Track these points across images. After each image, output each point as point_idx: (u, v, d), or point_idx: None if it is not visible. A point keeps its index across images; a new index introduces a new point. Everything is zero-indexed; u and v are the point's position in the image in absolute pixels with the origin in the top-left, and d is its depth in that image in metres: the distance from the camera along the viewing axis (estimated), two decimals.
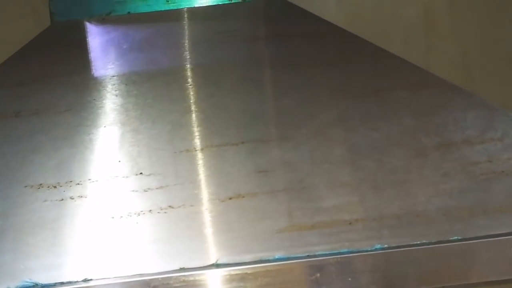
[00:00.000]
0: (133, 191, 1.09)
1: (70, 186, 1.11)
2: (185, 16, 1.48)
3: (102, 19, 1.48)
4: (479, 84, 1.94)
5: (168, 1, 1.50)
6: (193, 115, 1.22)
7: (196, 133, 1.19)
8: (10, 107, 1.26)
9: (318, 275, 0.99)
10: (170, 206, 1.07)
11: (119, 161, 1.14)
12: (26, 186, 1.11)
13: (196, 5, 1.50)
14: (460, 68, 2.00)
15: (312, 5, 1.70)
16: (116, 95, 1.27)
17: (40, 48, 1.42)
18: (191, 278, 0.98)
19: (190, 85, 1.29)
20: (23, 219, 1.07)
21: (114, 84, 1.30)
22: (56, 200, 1.09)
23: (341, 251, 1.00)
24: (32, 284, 0.99)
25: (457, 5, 1.99)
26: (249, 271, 0.99)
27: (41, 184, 1.11)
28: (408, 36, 1.96)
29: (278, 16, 1.47)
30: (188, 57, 1.36)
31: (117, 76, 1.32)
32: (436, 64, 1.96)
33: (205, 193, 1.09)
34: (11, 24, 1.78)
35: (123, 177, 1.12)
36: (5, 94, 1.30)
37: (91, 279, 0.99)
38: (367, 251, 1.00)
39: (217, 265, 1.00)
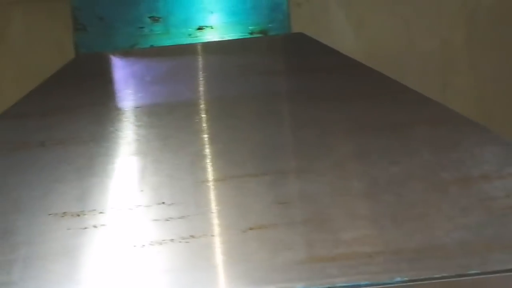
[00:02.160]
0: (155, 220, 1.11)
1: (93, 214, 1.12)
2: (206, 49, 1.50)
3: (126, 52, 1.51)
4: (495, 120, 1.95)
5: (190, 35, 1.52)
6: (214, 147, 1.24)
7: (217, 164, 1.20)
8: (35, 137, 1.28)
9: None
10: (191, 236, 1.08)
11: (142, 191, 1.16)
12: (50, 214, 1.13)
13: (217, 39, 1.52)
14: (476, 103, 2.01)
15: (331, 39, 1.73)
16: (139, 126, 1.29)
17: (65, 79, 1.45)
18: None
19: (211, 117, 1.31)
20: (47, 246, 1.08)
21: (136, 115, 1.32)
22: (80, 228, 1.10)
23: (361, 283, 1.01)
24: None
25: (474, 40, 2.00)
26: None
27: (65, 213, 1.13)
28: (425, 70, 1.98)
29: (298, 50, 1.49)
30: (208, 89, 1.38)
31: (139, 107, 1.34)
32: (452, 98, 1.97)
33: (226, 223, 1.10)
34: (36, 56, 1.81)
35: (145, 206, 1.13)
36: (30, 124, 1.32)
37: None
38: (387, 283, 1.00)
39: None
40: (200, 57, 1.48)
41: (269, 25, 1.53)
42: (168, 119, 1.30)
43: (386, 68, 1.47)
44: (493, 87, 2.02)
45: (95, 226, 1.10)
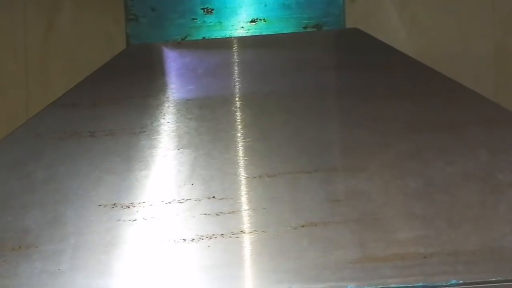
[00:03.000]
0: (205, 214, 1.10)
1: (143, 207, 1.11)
2: (259, 43, 1.49)
3: (178, 44, 1.50)
4: None
5: (242, 28, 1.51)
6: (266, 142, 1.22)
7: (269, 160, 1.19)
8: (85, 127, 1.28)
9: None
10: (242, 231, 1.07)
11: (192, 184, 1.15)
12: (100, 205, 1.12)
13: (271, 33, 1.50)
14: None
15: (384, 36, 1.70)
16: (190, 119, 1.28)
17: (115, 70, 1.44)
18: None
19: (263, 111, 1.29)
20: (96, 237, 1.08)
21: (188, 108, 1.31)
22: (130, 220, 1.09)
23: (416, 285, 0.99)
24: None
25: None
26: None
27: (114, 204, 1.12)
28: (477, 72, 1.95)
29: (353, 46, 1.47)
30: (261, 84, 1.37)
31: (191, 100, 1.33)
32: (504, 102, 1.94)
33: (277, 219, 1.08)
34: (86, 46, 1.81)
35: (195, 200, 1.12)
36: (80, 115, 1.32)
37: None
38: (442, 286, 0.99)
39: None
40: (252, 50, 1.47)
41: (324, 19, 1.51)
42: (220, 113, 1.29)
43: (437, 68, 1.45)
44: None
45: (144, 219, 1.10)
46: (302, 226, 1.07)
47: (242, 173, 1.16)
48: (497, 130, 1.23)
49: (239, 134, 1.24)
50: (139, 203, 1.12)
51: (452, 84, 1.34)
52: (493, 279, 0.99)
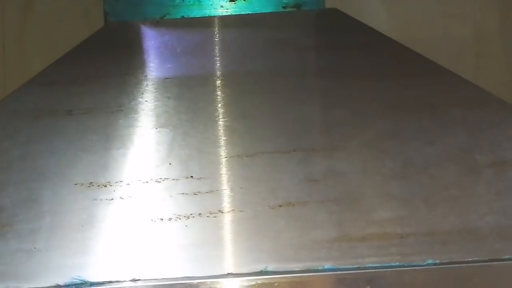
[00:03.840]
0: (183, 194, 1.09)
1: (120, 186, 1.11)
2: (238, 22, 1.48)
3: (156, 22, 1.48)
4: None
5: (222, 7, 1.50)
6: (245, 121, 1.22)
7: (247, 139, 1.18)
8: (63, 105, 1.27)
9: (368, 287, 0.98)
10: (219, 211, 1.06)
11: (170, 164, 1.14)
12: (76, 184, 1.11)
13: (250, 12, 1.50)
14: (509, 89, 1.98)
15: (363, 17, 1.70)
16: (169, 98, 1.27)
17: (94, 48, 1.43)
18: (239, 284, 0.98)
19: (242, 91, 1.29)
20: (73, 216, 1.07)
21: (166, 87, 1.30)
22: (106, 199, 1.09)
23: (392, 264, 0.99)
24: (81, 281, 0.99)
25: (508, 25, 1.97)
26: (297, 280, 0.98)
27: (91, 183, 1.11)
28: (458, 54, 1.95)
29: (332, 26, 1.47)
30: (240, 63, 1.36)
31: (170, 78, 1.32)
32: (484, 84, 1.94)
33: (255, 199, 1.08)
34: (64, 24, 1.79)
35: (173, 179, 1.12)
36: (57, 92, 1.31)
37: (139, 279, 0.99)
38: (418, 265, 0.99)
39: (265, 272, 0.99)
40: (231, 29, 1.46)
41: None
42: (198, 92, 1.28)
43: (417, 49, 1.44)
44: None
45: (121, 198, 1.09)
46: (280, 206, 1.07)
47: (221, 153, 1.16)
48: (476, 111, 1.23)
49: (218, 113, 1.24)
50: (116, 182, 1.11)
51: (432, 65, 1.34)
52: (469, 259, 1.00)
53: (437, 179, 1.10)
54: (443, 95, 1.25)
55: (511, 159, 1.13)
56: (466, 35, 1.96)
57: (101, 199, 1.09)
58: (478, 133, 1.18)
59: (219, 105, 1.26)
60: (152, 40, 1.44)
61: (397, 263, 0.99)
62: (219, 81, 1.30)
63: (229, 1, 1.51)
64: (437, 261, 0.99)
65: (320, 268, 0.99)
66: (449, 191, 1.08)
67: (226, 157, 1.15)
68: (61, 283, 0.98)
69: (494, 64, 1.98)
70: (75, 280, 0.98)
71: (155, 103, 1.26)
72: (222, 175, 1.12)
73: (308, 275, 0.99)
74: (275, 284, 0.97)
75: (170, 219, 1.05)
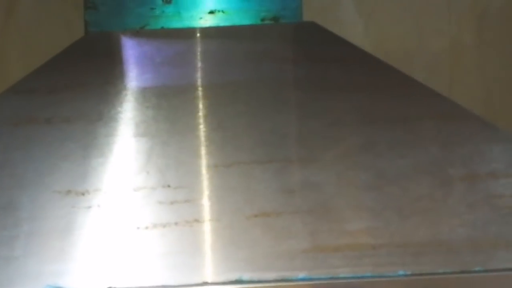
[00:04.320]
0: (159, 202, 1.11)
1: (98, 194, 1.12)
2: (217, 34, 1.50)
3: (136, 32, 1.50)
4: (500, 120, 1.94)
5: (201, 18, 1.52)
6: (222, 132, 1.23)
7: (224, 150, 1.20)
8: (42, 113, 1.28)
9: None
10: (196, 220, 1.08)
11: (147, 172, 1.15)
12: (54, 192, 1.12)
13: (229, 24, 1.51)
14: (483, 103, 2.01)
15: (340, 30, 1.72)
16: (147, 107, 1.28)
17: (73, 57, 1.44)
18: None
19: (220, 102, 1.30)
20: (50, 223, 1.08)
21: (145, 97, 1.31)
22: (84, 207, 1.10)
23: (364, 275, 1.01)
24: None
25: (483, 40, 2.00)
26: None
27: (69, 191, 1.12)
28: (433, 66, 1.97)
29: (309, 39, 1.48)
30: (218, 74, 1.37)
31: (148, 88, 1.33)
32: (459, 97, 1.96)
33: (230, 209, 1.10)
34: (45, 32, 1.80)
35: (150, 188, 1.13)
36: (37, 100, 1.31)
37: (115, 287, 1.00)
38: (390, 276, 1.00)
39: (239, 281, 1.01)
40: (210, 41, 1.48)
41: (281, 12, 1.52)
42: (177, 102, 1.30)
43: (393, 62, 1.46)
44: (500, 88, 2.01)
45: (99, 206, 1.10)
46: (255, 216, 1.08)
47: (198, 163, 1.17)
48: (449, 125, 1.25)
49: (196, 124, 1.25)
50: (94, 190, 1.12)
51: (406, 78, 1.36)
52: (441, 271, 1.01)
53: (409, 191, 1.12)
54: (417, 109, 1.28)
55: (483, 172, 1.15)
56: (441, 48, 1.99)
57: (79, 207, 1.10)
58: (450, 146, 1.20)
59: (197, 115, 1.27)
60: (131, 50, 1.45)
61: (370, 274, 1.01)
62: (198, 92, 1.32)
63: (209, 13, 1.52)
64: (409, 273, 1.01)
65: (294, 277, 1.01)
66: (421, 203, 1.10)
67: (203, 167, 1.17)
68: None
69: (469, 78, 2.00)
70: (50, 287, 0.99)
71: (134, 112, 1.28)
72: (199, 185, 1.13)
73: (283, 284, 1.00)
74: None
75: (147, 227, 1.07)
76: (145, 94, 1.32)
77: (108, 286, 1.00)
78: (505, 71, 2.01)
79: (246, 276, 1.01)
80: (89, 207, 1.10)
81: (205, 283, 1.00)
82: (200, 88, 1.33)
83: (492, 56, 2.01)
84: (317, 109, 1.28)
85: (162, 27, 1.51)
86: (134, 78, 1.36)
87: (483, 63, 2.01)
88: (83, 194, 1.12)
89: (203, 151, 1.19)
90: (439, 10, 1.99)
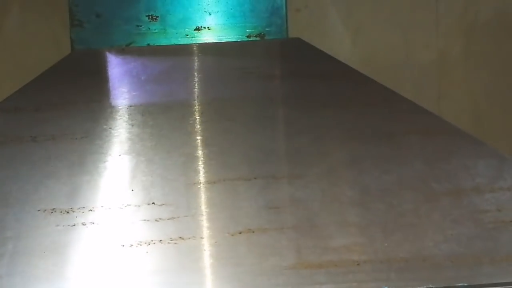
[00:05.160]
0: (144, 220, 1.11)
1: (83, 212, 1.12)
2: (203, 51, 1.50)
3: (122, 50, 1.51)
4: (488, 133, 1.95)
5: (187, 35, 1.52)
6: (207, 149, 1.24)
7: (209, 166, 1.20)
8: (27, 132, 1.28)
9: None
10: (180, 237, 1.08)
11: (132, 190, 1.15)
12: (39, 210, 1.12)
13: (215, 41, 1.52)
14: (470, 115, 2.01)
15: (328, 46, 1.73)
16: (132, 125, 1.29)
17: (59, 75, 1.44)
18: None
19: (205, 119, 1.31)
20: (35, 242, 1.08)
21: (130, 114, 1.31)
22: (69, 225, 1.10)
23: None
24: None
25: (470, 53, 2.01)
26: None
27: (54, 209, 1.12)
28: (420, 80, 1.98)
29: (295, 55, 1.49)
30: (204, 91, 1.38)
31: (134, 106, 1.34)
32: (446, 110, 1.97)
33: (215, 226, 1.10)
34: (31, 50, 1.80)
35: (135, 206, 1.13)
36: (22, 119, 1.32)
37: None
38: None
39: None
40: (196, 58, 1.48)
41: (267, 29, 1.53)
42: (162, 119, 1.30)
43: (381, 76, 1.47)
44: (487, 101, 2.02)
45: (84, 224, 1.10)
46: (240, 233, 1.08)
47: (183, 180, 1.18)
48: (434, 140, 1.26)
49: (181, 141, 1.26)
50: (79, 208, 1.12)
51: (392, 94, 1.37)
52: (424, 287, 1.01)
53: (394, 207, 1.12)
54: (401, 124, 1.28)
55: (467, 187, 1.16)
56: (429, 62, 2.00)
57: (63, 225, 1.10)
58: (435, 162, 1.20)
59: (183, 132, 1.27)
60: (117, 68, 1.46)
61: None
62: (183, 109, 1.32)
63: (195, 30, 1.53)
64: None
65: None
66: (405, 219, 1.10)
67: (188, 184, 1.17)
68: None
69: (457, 91, 2.02)
70: None
71: (119, 130, 1.28)
72: (184, 202, 1.13)
73: None
74: None
75: (131, 245, 1.07)
76: (130, 111, 1.32)
77: None
78: (493, 84, 2.03)
79: None
80: (74, 225, 1.10)
81: None
82: (186, 106, 1.33)
83: (480, 69, 2.02)
84: (302, 126, 1.29)
85: (148, 44, 1.52)
86: (120, 95, 1.37)
87: (471, 76, 2.02)
88: (67, 212, 1.12)
89: (188, 168, 1.20)
90: (427, 24, 2.00)
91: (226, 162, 1.21)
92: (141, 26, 1.52)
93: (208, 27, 1.52)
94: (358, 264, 1.04)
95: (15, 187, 1.17)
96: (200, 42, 1.52)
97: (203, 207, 1.13)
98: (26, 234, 1.09)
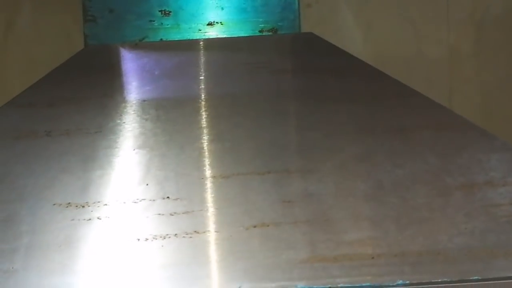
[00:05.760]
0: (159, 214, 1.11)
1: (98, 206, 1.12)
2: (216, 46, 1.51)
3: (135, 45, 1.51)
4: (500, 128, 1.95)
5: (200, 30, 1.53)
6: (220, 143, 1.24)
7: (223, 161, 1.21)
8: (41, 127, 1.29)
9: None
10: (195, 231, 1.08)
11: (147, 184, 1.16)
12: (54, 205, 1.13)
13: (228, 36, 1.52)
14: (482, 111, 2.01)
15: (340, 40, 1.73)
16: (146, 120, 1.29)
17: (73, 70, 1.45)
18: None
19: (218, 113, 1.31)
20: (51, 236, 1.08)
21: (144, 109, 1.32)
22: (84, 219, 1.10)
23: (363, 285, 1.01)
24: None
25: (482, 48, 2.01)
26: None
27: (69, 203, 1.13)
28: (432, 76, 1.98)
29: (307, 50, 1.49)
30: (216, 86, 1.38)
31: (147, 101, 1.34)
32: (458, 105, 1.97)
33: (230, 220, 1.10)
34: (45, 46, 1.81)
35: (150, 200, 1.13)
36: (36, 114, 1.32)
37: None
38: (389, 286, 1.01)
39: None
40: (209, 53, 1.48)
41: (279, 23, 1.54)
42: (175, 114, 1.31)
43: (392, 72, 1.47)
44: (499, 96, 2.02)
45: (99, 218, 1.11)
46: (254, 227, 1.09)
47: (197, 174, 1.18)
48: (446, 134, 1.26)
49: (194, 135, 1.26)
50: (94, 202, 1.13)
51: (404, 88, 1.37)
52: (439, 280, 1.01)
53: (407, 201, 1.12)
54: (414, 118, 1.28)
55: (480, 181, 1.16)
56: (440, 57, 1.99)
57: (79, 219, 1.10)
58: (448, 156, 1.21)
59: (196, 127, 1.28)
60: (130, 63, 1.46)
61: (368, 284, 1.01)
62: (196, 104, 1.33)
63: (207, 25, 1.54)
64: (407, 282, 1.01)
65: (293, 287, 1.01)
66: (419, 213, 1.10)
67: (202, 178, 1.17)
68: None
69: (468, 87, 2.01)
70: None
71: (133, 124, 1.28)
72: (198, 196, 1.14)
73: None
74: None
75: (146, 239, 1.07)
76: (143, 106, 1.33)
77: None
78: (504, 79, 2.02)
79: (245, 286, 1.01)
80: (89, 219, 1.10)
81: None
82: (198, 100, 1.34)
83: (491, 65, 2.02)
84: (315, 120, 1.29)
85: (161, 39, 1.53)
86: (133, 90, 1.37)
87: (482, 71, 2.02)
88: (82, 206, 1.12)
89: (202, 162, 1.20)
90: (438, 19, 2.00)
91: (239, 157, 1.21)
92: (154, 21, 1.53)
93: (220, 22, 1.53)
94: (372, 258, 1.04)
95: (30, 182, 1.18)
96: (212, 37, 1.52)
97: (217, 201, 1.13)
98: (41, 228, 1.10)
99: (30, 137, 1.27)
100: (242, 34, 1.53)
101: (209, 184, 1.16)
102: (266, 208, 1.12)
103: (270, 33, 1.53)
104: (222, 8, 1.53)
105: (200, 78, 1.40)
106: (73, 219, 1.10)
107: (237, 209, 1.12)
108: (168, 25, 1.53)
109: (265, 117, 1.30)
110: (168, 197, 1.14)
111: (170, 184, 1.16)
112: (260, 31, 1.53)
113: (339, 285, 1.01)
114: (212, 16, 1.52)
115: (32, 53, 1.81)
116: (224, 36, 1.52)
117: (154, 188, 1.16)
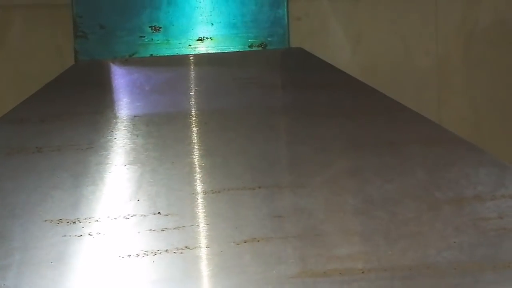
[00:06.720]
0: (150, 230, 1.11)
1: (89, 222, 1.13)
2: (206, 61, 1.52)
3: (126, 60, 1.52)
4: (489, 139, 1.96)
5: (190, 46, 1.53)
6: (211, 158, 1.25)
7: (213, 176, 1.21)
8: (32, 143, 1.29)
9: None
10: (186, 247, 1.08)
11: (138, 200, 1.16)
12: (46, 221, 1.13)
13: (217, 51, 1.53)
14: (471, 121, 2.03)
15: (329, 54, 1.74)
16: (137, 135, 1.30)
17: (64, 86, 1.46)
18: None
19: (208, 129, 1.32)
20: (42, 253, 1.08)
21: (135, 124, 1.33)
22: (75, 235, 1.10)
23: None
24: None
25: (470, 60, 2.02)
26: None
27: (60, 220, 1.13)
28: (421, 87, 2.00)
29: (296, 65, 1.50)
30: (207, 101, 1.39)
31: (138, 117, 1.35)
32: (447, 117, 1.99)
33: (220, 235, 1.10)
34: (35, 61, 1.81)
35: (141, 216, 1.14)
36: (28, 130, 1.33)
37: None
38: None
39: None
40: (199, 68, 1.49)
41: (269, 38, 1.55)
42: (166, 129, 1.31)
43: (382, 84, 1.49)
44: (487, 106, 2.03)
45: (90, 234, 1.11)
46: (245, 242, 1.09)
47: (188, 189, 1.19)
48: (435, 149, 1.27)
49: (185, 151, 1.27)
50: (85, 218, 1.13)
51: (393, 103, 1.38)
52: None
53: (396, 216, 1.13)
54: (403, 133, 1.29)
55: (469, 195, 1.17)
56: (429, 69, 2.01)
57: (70, 236, 1.10)
58: (436, 170, 1.22)
59: (186, 142, 1.29)
60: (121, 78, 1.47)
61: None
62: (187, 119, 1.33)
63: (197, 40, 1.54)
64: None
65: None
66: (408, 227, 1.11)
67: (193, 194, 1.18)
68: None
69: (457, 98, 2.03)
70: None
71: (124, 140, 1.29)
72: (189, 212, 1.14)
73: None
74: None
75: (137, 255, 1.07)
76: (134, 122, 1.33)
77: None
78: (492, 91, 2.04)
79: None
80: (80, 235, 1.10)
81: None
82: (189, 116, 1.34)
83: (480, 76, 2.03)
84: (305, 135, 1.30)
85: (151, 55, 1.53)
86: (123, 106, 1.38)
87: (471, 82, 2.03)
88: (74, 222, 1.13)
89: (192, 178, 1.21)
90: (427, 31, 2.01)
91: (230, 172, 1.22)
92: (144, 37, 1.53)
93: (210, 38, 1.54)
94: (362, 272, 1.04)
95: (21, 198, 1.18)
96: (202, 52, 1.53)
97: (208, 217, 1.14)
98: (33, 244, 1.10)
99: (21, 153, 1.27)
100: (231, 49, 1.54)
101: (200, 199, 1.17)
102: (256, 223, 1.12)
103: (259, 48, 1.54)
104: (212, 24, 1.53)
105: (191, 93, 1.40)
106: (64, 235, 1.11)
107: (228, 224, 1.12)
108: (158, 40, 1.54)
109: (256, 132, 1.31)
110: (159, 213, 1.14)
111: (161, 199, 1.17)
112: (249, 46, 1.54)
113: None
114: (202, 31, 1.53)
115: (23, 68, 1.82)
116: (214, 51, 1.53)
117: (145, 204, 1.16)
